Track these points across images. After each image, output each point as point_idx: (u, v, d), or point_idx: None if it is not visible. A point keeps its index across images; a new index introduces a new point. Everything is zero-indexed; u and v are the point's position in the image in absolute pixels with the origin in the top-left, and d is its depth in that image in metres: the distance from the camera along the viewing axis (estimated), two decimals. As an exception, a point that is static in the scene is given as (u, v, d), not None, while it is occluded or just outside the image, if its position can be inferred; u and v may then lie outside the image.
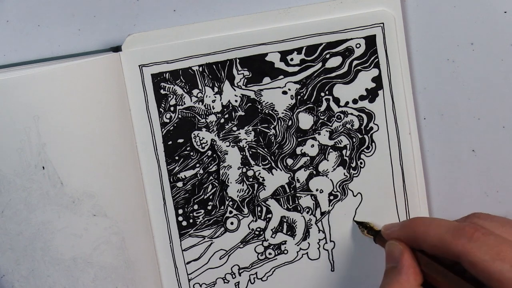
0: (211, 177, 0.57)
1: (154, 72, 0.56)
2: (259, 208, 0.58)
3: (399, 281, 0.49)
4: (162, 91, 0.56)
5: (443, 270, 0.48)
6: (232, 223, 0.58)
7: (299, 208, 0.58)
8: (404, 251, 0.50)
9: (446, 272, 0.48)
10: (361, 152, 0.57)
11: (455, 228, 0.46)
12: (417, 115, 0.57)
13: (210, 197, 0.58)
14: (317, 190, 0.58)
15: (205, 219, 0.58)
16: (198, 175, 0.57)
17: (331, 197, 0.58)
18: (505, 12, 0.55)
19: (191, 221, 0.58)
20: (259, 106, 0.57)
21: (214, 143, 0.57)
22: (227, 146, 0.57)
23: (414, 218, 0.52)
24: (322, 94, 0.56)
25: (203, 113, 0.57)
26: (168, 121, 0.57)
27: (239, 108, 0.57)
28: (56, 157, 0.53)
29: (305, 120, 0.57)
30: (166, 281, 0.58)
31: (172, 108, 0.56)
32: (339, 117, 0.57)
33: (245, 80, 0.56)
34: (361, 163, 0.57)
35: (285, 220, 0.58)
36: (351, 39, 0.56)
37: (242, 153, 0.57)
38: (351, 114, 0.57)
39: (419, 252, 0.49)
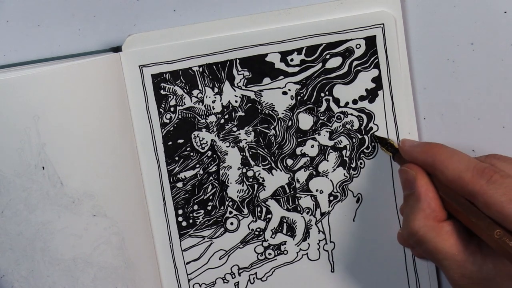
0: (211, 178, 0.57)
1: (154, 72, 0.56)
2: (259, 209, 0.58)
3: (421, 208, 0.48)
4: (162, 92, 0.56)
5: (459, 197, 0.47)
6: (232, 224, 0.58)
7: (299, 209, 0.58)
8: (418, 177, 0.49)
9: (463, 200, 0.47)
10: (361, 152, 0.57)
11: (475, 168, 0.46)
12: (417, 115, 0.57)
13: (210, 197, 0.58)
14: (317, 190, 0.58)
15: (205, 219, 0.58)
16: (198, 176, 0.57)
17: (331, 198, 0.58)
18: (505, 12, 0.55)
19: (191, 221, 0.58)
20: (259, 107, 0.57)
21: (214, 143, 0.57)
22: (227, 146, 0.57)
23: (435, 144, 0.50)
24: (322, 94, 0.56)
25: (203, 113, 0.57)
26: (168, 121, 0.57)
27: (239, 109, 0.57)
28: (56, 157, 0.53)
29: (305, 121, 0.57)
30: (166, 281, 0.58)
31: (172, 109, 0.56)
32: (339, 117, 0.57)
33: (245, 81, 0.56)
34: (361, 163, 0.57)
35: (285, 221, 0.58)
36: (351, 39, 0.56)
37: (242, 154, 0.57)
38: (351, 114, 0.57)
39: (435, 177, 0.49)
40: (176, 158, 0.57)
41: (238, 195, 0.58)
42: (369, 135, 0.57)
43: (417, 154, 0.50)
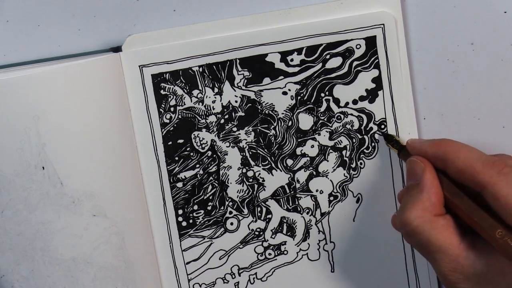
0: (211, 178, 0.57)
1: (154, 72, 0.56)
2: (259, 209, 0.58)
3: (421, 199, 0.48)
4: (162, 92, 0.56)
5: (463, 196, 0.48)
6: (232, 224, 0.58)
7: (299, 209, 0.58)
8: (426, 169, 0.49)
9: (466, 198, 0.47)
10: (361, 152, 0.57)
11: (486, 159, 0.46)
12: (417, 115, 0.57)
13: (210, 197, 0.58)
14: (317, 190, 0.58)
15: (205, 219, 0.58)
16: (198, 176, 0.57)
17: (331, 198, 0.58)
18: (505, 12, 0.55)
19: (191, 221, 0.58)
20: (259, 107, 0.57)
21: (214, 143, 0.57)
22: (227, 146, 0.57)
23: (445, 138, 0.51)
24: (322, 94, 0.56)
25: (203, 113, 0.57)
26: (168, 121, 0.57)
27: (239, 109, 0.57)
28: (56, 157, 0.53)
29: (305, 121, 0.57)
30: (166, 281, 0.58)
31: (172, 109, 0.56)
32: (339, 117, 0.57)
33: (245, 81, 0.56)
34: (361, 163, 0.57)
35: (285, 221, 0.58)
36: (352, 39, 0.56)
37: (242, 154, 0.57)
38: (351, 114, 0.57)
39: (441, 174, 0.49)
40: (176, 158, 0.57)
41: (238, 195, 0.58)
42: (373, 134, 0.57)
43: (427, 147, 0.51)
